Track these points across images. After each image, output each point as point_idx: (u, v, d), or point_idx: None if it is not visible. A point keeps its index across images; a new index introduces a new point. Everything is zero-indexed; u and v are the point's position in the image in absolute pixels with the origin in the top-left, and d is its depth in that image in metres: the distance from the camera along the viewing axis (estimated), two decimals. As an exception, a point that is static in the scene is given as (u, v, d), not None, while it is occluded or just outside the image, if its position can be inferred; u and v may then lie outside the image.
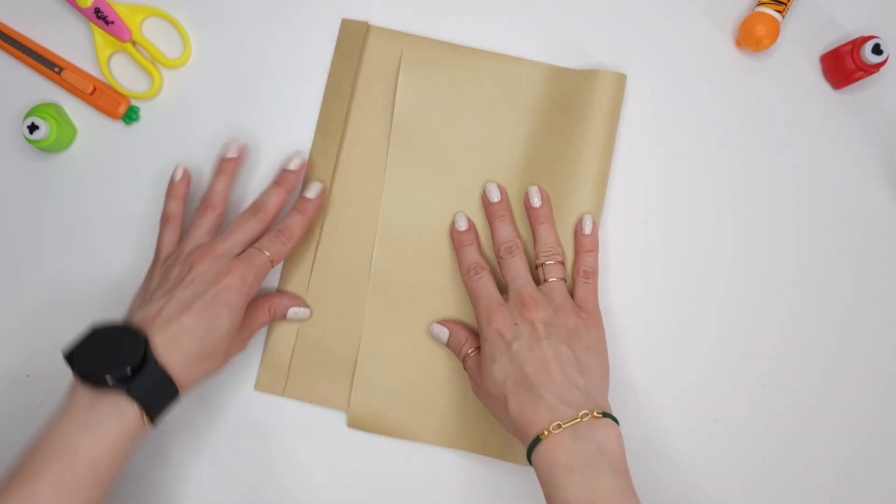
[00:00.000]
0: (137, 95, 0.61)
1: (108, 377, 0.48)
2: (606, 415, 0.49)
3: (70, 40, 0.61)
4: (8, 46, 0.61)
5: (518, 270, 0.56)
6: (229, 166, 0.58)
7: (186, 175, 0.59)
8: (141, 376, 0.49)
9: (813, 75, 0.61)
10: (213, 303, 0.52)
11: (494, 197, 0.59)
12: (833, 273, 0.60)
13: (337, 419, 0.60)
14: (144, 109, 0.61)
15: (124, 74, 0.62)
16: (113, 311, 0.61)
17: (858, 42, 0.58)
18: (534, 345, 0.52)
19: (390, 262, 0.60)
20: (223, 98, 0.61)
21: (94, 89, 0.61)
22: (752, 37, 0.59)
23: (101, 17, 0.60)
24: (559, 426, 0.48)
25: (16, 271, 0.61)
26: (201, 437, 0.60)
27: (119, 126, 0.61)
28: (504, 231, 0.58)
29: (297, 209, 0.58)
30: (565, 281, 0.56)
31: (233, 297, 0.52)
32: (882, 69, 0.58)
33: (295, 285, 0.60)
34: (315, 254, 0.60)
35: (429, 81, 0.60)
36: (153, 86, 0.61)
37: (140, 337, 0.50)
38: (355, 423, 0.59)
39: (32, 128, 0.57)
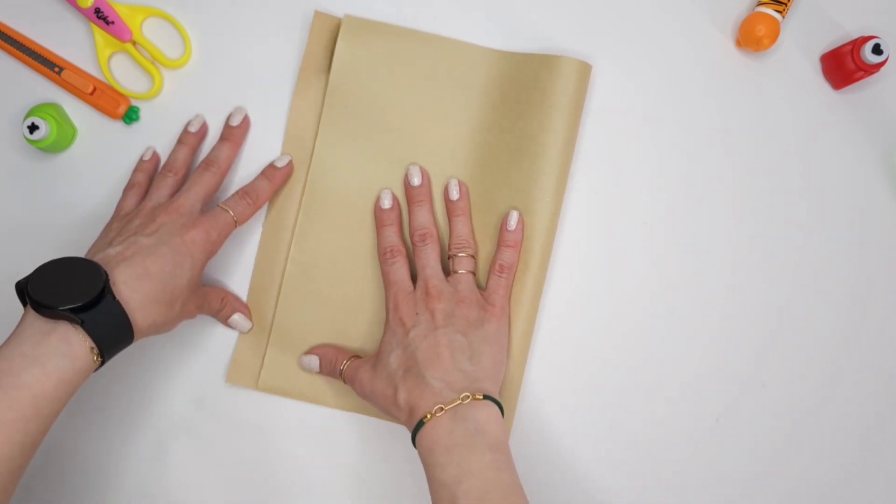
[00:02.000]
0: (137, 95, 0.61)
1: (62, 307, 0.47)
2: (488, 397, 0.51)
3: (70, 40, 0.61)
4: (8, 46, 0.61)
5: (428, 259, 0.57)
6: (190, 139, 0.60)
7: (156, 156, 0.60)
8: (97, 310, 0.48)
9: (813, 75, 0.61)
10: (177, 251, 0.52)
11: (416, 180, 0.59)
12: (833, 273, 0.60)
13: (336, 419, 0.60)
14: (144, 109, 0.61)
15: (124, 74, 0.62)
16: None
17: (858, 42, 0.58)
18: (429, 334, 0.53)
19: (314, 224, 0.60)
20: (223, 98, 0.61)
21: (94, 89, 0.61)
22: (752, 37, 0.59)
23: (101, 17, 0.60)
24: (441, 409, 0.50)
25: (16, 271, 0.61)
26: (201, 437, 0.60)
27: (119, 126, 0.61)
28: (420, 217, 0.58)
29: (265, 175, 0.59)
30: (474, 274, 0.57)
31: (196, 250, 0.53)
32: (882, 69, 0.58)
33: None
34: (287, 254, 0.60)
35: (370, 48, 0.60)
36: (153, 86, 0.61)
37: (100, 271, 0.49)
38: (265, 386, 0.60)
39: (32, 128, 0.57)
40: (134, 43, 0.61)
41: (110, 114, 0.61)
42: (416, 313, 0.55)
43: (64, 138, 0.60)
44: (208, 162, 0.58)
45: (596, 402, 0.60)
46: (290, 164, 0.60)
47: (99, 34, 0.60)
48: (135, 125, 0.61)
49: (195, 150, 0.60)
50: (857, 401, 0.60)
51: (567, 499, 0.59)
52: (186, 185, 0.57)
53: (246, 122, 0.60)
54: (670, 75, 0.61)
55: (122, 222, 0.55)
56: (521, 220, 0.58)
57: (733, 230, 0.60)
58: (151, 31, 0.61)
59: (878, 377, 0.60)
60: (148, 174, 0.60)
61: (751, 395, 0.60)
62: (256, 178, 0.59)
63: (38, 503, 0.60)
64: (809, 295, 0.60)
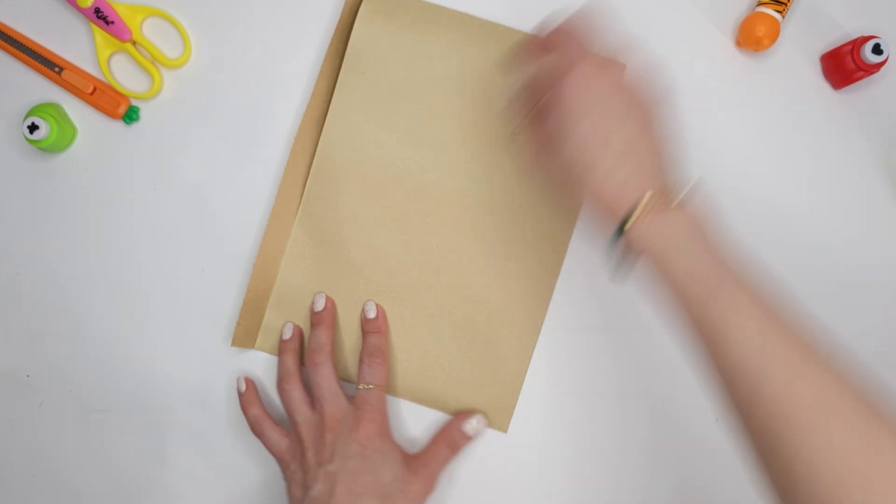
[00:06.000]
0: (137, 95, 0.61)
1: None
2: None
3: (70, 40, 0.61)
4: (8, 46, 0.61)
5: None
6: (290, 345, 0.59)
7: (250, 384, 0.60)
8: None
9: (813, 75, 0.61)
10: (366, 456, 0.53)
11: (319, 306, 0.59)
12: (832, 273, 0.60)
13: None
14: (144, 109, 0.61)
15: (124, 74, 0.62)
16: (111, 311, 0.61)
17: (858, 42, 0.58)
18: (625, 115, 0.47)
19: (323, 188, 0.60)
20: (223, 98, 0.61)
21: (94, 89, 0.61)
22: (752, 37, 0.59)
23: (101, 17, 0.60)
24: (652, 197, 0.45)
25: (16, 271, 0.61)
26: (201, 437, 0.60)
27: (119, 126, 0.61)
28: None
29: (368, 331, 0.59)
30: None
31: (378, 442, 0.55)
32: (882, 69, 0.58)
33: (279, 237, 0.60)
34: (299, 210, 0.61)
35: (394, 16, 0.60)
36: (153, 86, 0.61)
37: None
38: (263, 346, 0.60)
39: (32, 128, 0.57)
40: (134, 43, 0.61)
41: (110, 114, 0.61)
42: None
43: (64, 138, 0.60)
44: (313, 354, 0.58)
45: (595, 401, 0.60)
46: (379, 308, 0.59)
47: (99, 34, 0.60)
48: (135, 125, 0.61)
49: (298, 355, 0.59)
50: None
51: (566, 499, 0.59)
52: (316, 391, 0.57)
53: (330, 301, 0.60)
54: (670, 75, 0.61)
55: (296, 461, 0.56)
56: None
57: (732, 230, 0.60)
58: (151, 31, 0.62)
59: (878, 377, 0.60)
60: (259, 405, 0.59)
61: (751, 395, 0.60)
62: (366, 338, 0.59)
63: None
64: (809, 295, 0.60)
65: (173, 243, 0.61)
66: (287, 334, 0.59)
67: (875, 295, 0.60)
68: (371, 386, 0.57)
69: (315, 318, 0.59)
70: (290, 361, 0.58)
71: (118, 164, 0.61)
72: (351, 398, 0.57)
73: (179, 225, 0.61)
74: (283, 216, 0.60)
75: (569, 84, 0.48)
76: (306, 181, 0.60)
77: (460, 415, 0.58)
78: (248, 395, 0.59)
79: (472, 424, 0.57)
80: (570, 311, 0.60)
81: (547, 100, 0.49)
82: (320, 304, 0.59)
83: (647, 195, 0.45)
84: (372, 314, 0.59)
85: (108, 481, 0.60)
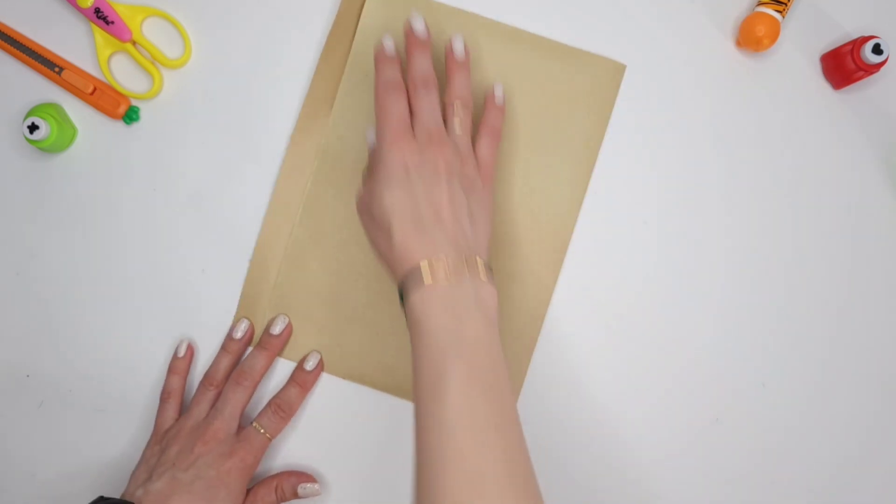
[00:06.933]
0: (137, 95, 0.61)
1: None
2: (486, 268, 0.49)
3: (70, 40, 0.61)
4: (8, 46, 0.61)
5: (432, 106, 0.52)
6: (234, 346, 0.59)
7: (190, 350, 0.60)
8: None
9: (813, 75, 0.61)
10: (212, 485, 0.53)
11: (418, 25, 0.54)
12: (833, 273, 0.60)
13: (338, 418, 0.60)
14: (144, 109, 0.61)
15: (124, 74, 0.62)
16: (110, 310, 0.61)
17: (858, 42, 0.58)
18: (433, 183, 0.50)
19: (326, 188, 0.60)
20: (223, 98, 0.61)
21: (94, 89, 0.61)
22: (752, 37, 0.59)
23: (101, 17, 0.60)
24: (442, 268, 0.47)
25: (16, 271, 0.61)
26: (201, 437, 0.60)
27: (119, 126, 0.61)
28: (422, 63, 0.53)
29: (294, 381, 0.59)
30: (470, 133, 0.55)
31: (233, 479, 0.54)
32: (882, 69, 0.58)
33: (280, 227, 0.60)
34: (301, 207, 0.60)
35: (398, 17, 0.59)
36: (153, 86, 0.61)
37: None
38: None
39: (32, 128, 0.57)
40: (134, 43, 0.61)
41: (110, 114, 0.61)
42: (420, 154, 0.50)
43: (64, 138, 0.60)
44: (241, 375, 0.57)
45: (595, 401, 0.60)
46: (320, 363, 0.59)
47: (99, 34, 0.60)
48: (135, 125, 0.61)
49: (239, 358, 0.59)
50: (857, 400, 0.60)
51: (565, 499, 0.59)
52: (220, 404, 0.56)
53: (287, 330, 0.59)
54: (670, 75, 0.61)
55: (161, 445, 0.56)
56: (504, 98, 0.57)
57: (732, 230, 0.60)
58: (151, 31, 0.62)
59: (878, 376, 0.60)
60: (183, 376, 0.59)
61: (751, 395, 0.60)
62: (287, 386, 0.58)
63: None
64: (810, 295, 0.60)
65: (173, 243, 0.61)
66: (237, 333, 0.59)
67: (875, 295, 0.60)
68: (262, 431, 0.56)
69: (264, 341, 0.59)
70: (225, 365, 0.58)
71: (118, 165, 0.61)
72: (241, 429, 0.57)
73: (179, 225, 0.61)
74: (279, 215, 0.60)
75: (386, 146, 0.51)
76: (303, 180, 0.60)
77: (301, 473, 0.58)
78: (181, 363, 0.59)
79: (308, 489, 0.57)
80: (569, 312, 0.60)
81: (372, 155, 0.53)
82: (277, 329, 0.59)
83: (424, 263, 0.48)
84: (310, 366, 0.59)
85: (108, 481, 0.60)
